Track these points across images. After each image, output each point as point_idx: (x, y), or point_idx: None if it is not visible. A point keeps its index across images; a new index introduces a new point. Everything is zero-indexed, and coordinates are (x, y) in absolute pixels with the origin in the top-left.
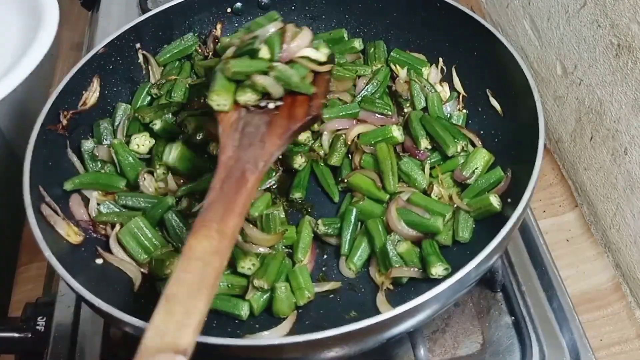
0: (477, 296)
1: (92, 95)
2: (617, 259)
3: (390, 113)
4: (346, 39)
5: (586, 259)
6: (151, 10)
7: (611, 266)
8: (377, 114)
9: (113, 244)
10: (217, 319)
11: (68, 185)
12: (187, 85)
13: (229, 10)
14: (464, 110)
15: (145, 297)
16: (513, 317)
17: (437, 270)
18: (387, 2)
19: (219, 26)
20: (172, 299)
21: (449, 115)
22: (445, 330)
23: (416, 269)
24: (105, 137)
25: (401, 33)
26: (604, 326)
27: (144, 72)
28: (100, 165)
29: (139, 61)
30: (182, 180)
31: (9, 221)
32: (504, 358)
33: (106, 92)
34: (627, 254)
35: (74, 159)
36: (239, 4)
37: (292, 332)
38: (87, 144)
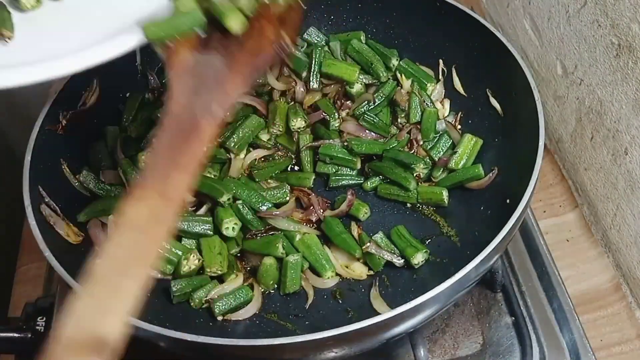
0: (477, 296)
1: (91, 95)
2: (618, 259)
3: (386, 135)
4: (363, 41)
5: (586, 259)
6: None
7: (611, 266)
8: (372, 132)
9: None
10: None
11: (82, 217)
12: None
13: None
14: (459, 126)
15: (144, 297)
16: (513, 318)
17: (418, 259)
18: (385, 1)
19: None
20: (98, 278)
21: (440, 132)
22: (445, 330)
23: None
24: (103, 160)
25: (400, 33)
26: (604, 326)
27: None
28: (109, 189)
29: (137, 62)
30: None
31: (9, 221)
32: (504, 358)
33: (106, 92)
34: (628, 254)
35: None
36: None
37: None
38: (84, 175)
